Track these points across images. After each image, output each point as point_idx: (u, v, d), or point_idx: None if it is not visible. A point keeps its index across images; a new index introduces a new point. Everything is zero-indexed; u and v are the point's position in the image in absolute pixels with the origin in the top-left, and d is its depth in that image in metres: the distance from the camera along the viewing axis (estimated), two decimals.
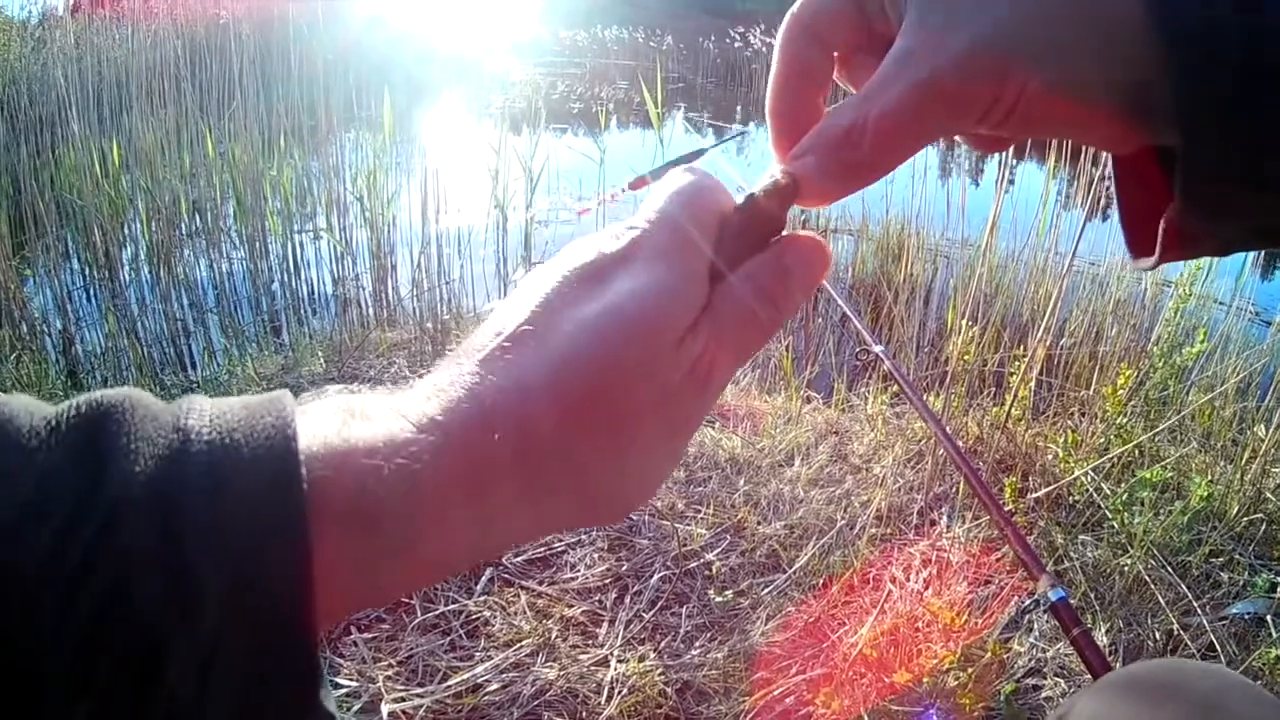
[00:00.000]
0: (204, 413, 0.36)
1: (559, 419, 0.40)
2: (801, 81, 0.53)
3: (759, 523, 2.80)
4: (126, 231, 5.97)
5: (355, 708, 2.03)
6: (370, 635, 2.24)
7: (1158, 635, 2.39)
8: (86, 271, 5.84)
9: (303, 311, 5.68)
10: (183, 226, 6.13)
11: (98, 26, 7.99)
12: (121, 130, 6.67)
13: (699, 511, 2.85)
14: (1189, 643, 2.33)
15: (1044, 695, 2.21)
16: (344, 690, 2.07)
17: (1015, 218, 4.96)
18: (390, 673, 2.14)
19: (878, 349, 2.53)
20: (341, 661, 2.15)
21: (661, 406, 0.43)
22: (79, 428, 0.34)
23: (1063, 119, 0.45)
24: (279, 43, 7.32)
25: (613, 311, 0.42)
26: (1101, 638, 2.38)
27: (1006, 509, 2.32)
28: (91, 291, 5.69)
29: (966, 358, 3.37)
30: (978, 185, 7.73)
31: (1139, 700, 0.80)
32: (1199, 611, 2.42)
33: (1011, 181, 5.09)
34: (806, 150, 0.49)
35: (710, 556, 2.64)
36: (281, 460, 0.35)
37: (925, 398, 2.94)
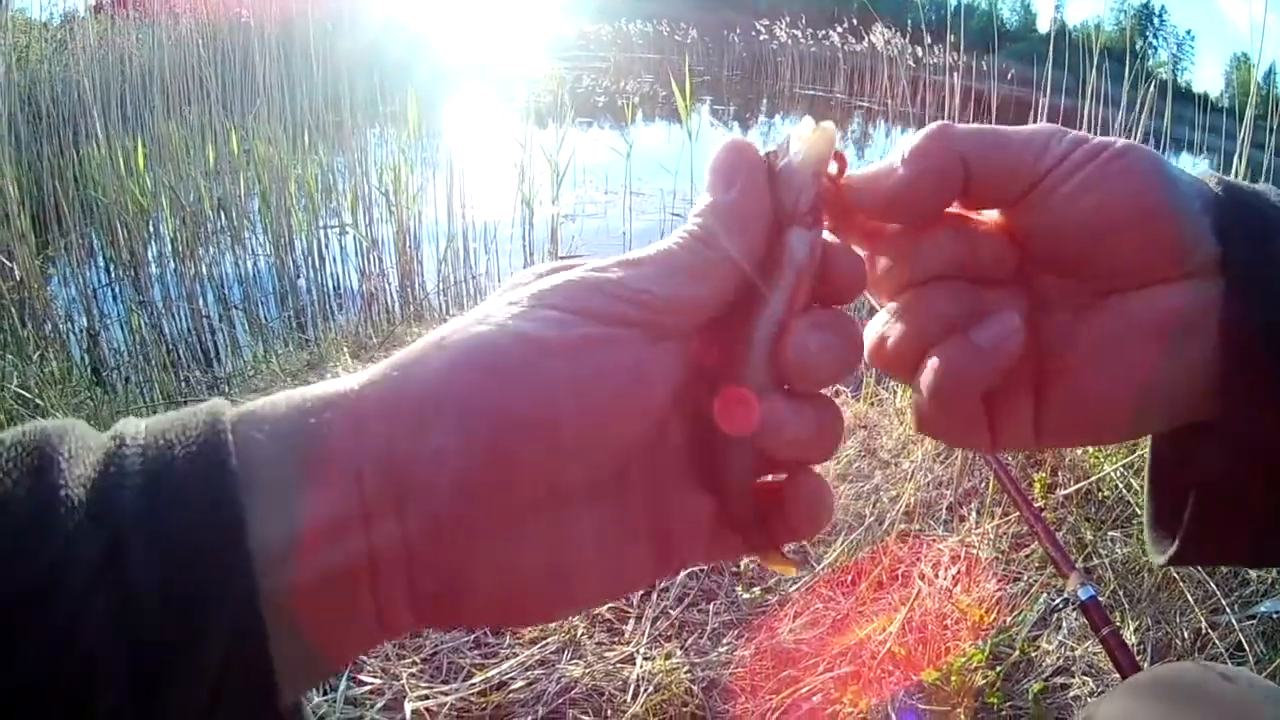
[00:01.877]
0: (139, 423, 0.37)
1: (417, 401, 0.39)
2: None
3: None
4: (151, 229, 5.99)
5: (379, 705, 2.02)
6: None
7: (1185, 634, 2.36)
8: (111, 269, 5.88)
9: (328, 307, 5.70)
10: (208, 224, 6.14)
11: (119, 26, 8.02)
12: (145, 128, 6.70)
13: None
14: (1217, 641, 2.30)
15: (1072, 694, 2.18)
16: (367, 688, 2.06)
17: None
18: (414, 670, 2.13)
19: None
20: (365, 659, 2.14)
21: None
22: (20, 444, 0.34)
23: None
24: (301, 40, 7.32)
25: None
26: (1130, 636, 2.35)
27: (1036, 505, 2.30)
28: (116, 289, 5.72)
29: None
30: None
31: (1165, 704, 0.79)
32: (1227, 610, 2.39)
33: None
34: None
35: None
36: (211, 437, 0.35)
37: None
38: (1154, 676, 0.87)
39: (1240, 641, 2.28)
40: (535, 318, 0.40)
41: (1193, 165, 5.50)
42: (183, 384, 4.16)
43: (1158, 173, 0.44)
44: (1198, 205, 0.45)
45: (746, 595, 2.42)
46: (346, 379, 0.39)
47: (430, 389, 0.39)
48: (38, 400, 3.09)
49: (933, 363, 0.47)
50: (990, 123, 0.48)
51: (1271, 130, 4.06)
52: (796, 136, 0.46)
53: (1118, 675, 1.45)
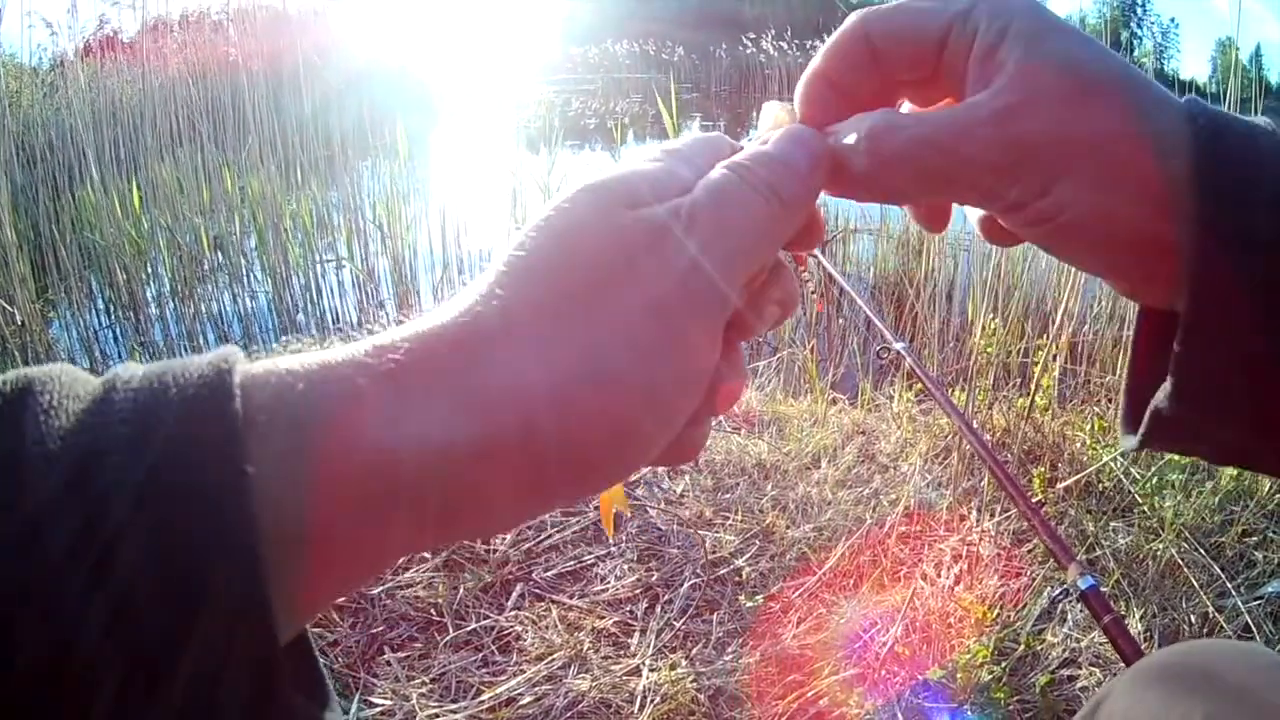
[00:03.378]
0: (137, 368, 0.35)
1: (507, 291, 0.41)
2: (850, 74, 0.51)
3: (788, 526, 2.79)
4: (149, 270, 6.00)
5: None
6: (403, 654, 2.25)
7: (1193, 619, 2.36)
8: (111, 310, 5.88)
9: (328, 341, 5.68)
10: (205, 262, 6.17)
11: (109, 69, 8.05)
12: (139, 170, 6.72)
13: (727, 518, 2.84)
14: (1224, 625, 2.30)
15: (1079, 686, 2.18)
16: (378, 709, 2.07)
17: None
18: (424, 690, 2.14)
19: (898, 346, 2.51)
20: (375, 681, 2.15)
21: (630, 271, 0.40)
22: None
23: (1087, 235, 0.46)
24: (290, 76, 7.36)
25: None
26: (1136, 624, 2.36)
27: (1035, 499, 2.31)
28: (116, 331, 5.73)
29: (989, 350, 3.36)
30: None
31: (1169, 690, 0.77)
32: (1233, 593, 2.40)
33: None
34: (848, 129, 0.48)
35: (740, 562, 2.63)
36: (214, 378, 0.33)
37: (950, 393, 2.93)
38: (1160, 660, 0.85)
39: (1248, 624, 2.29)
40: None
41: None
42: None
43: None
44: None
45: (749, 603, 2.43)
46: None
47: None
48: None
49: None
50: None
51: (1258, 112, 4.07)
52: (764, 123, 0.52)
53: (1124, 664, 1.45)
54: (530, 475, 0.38)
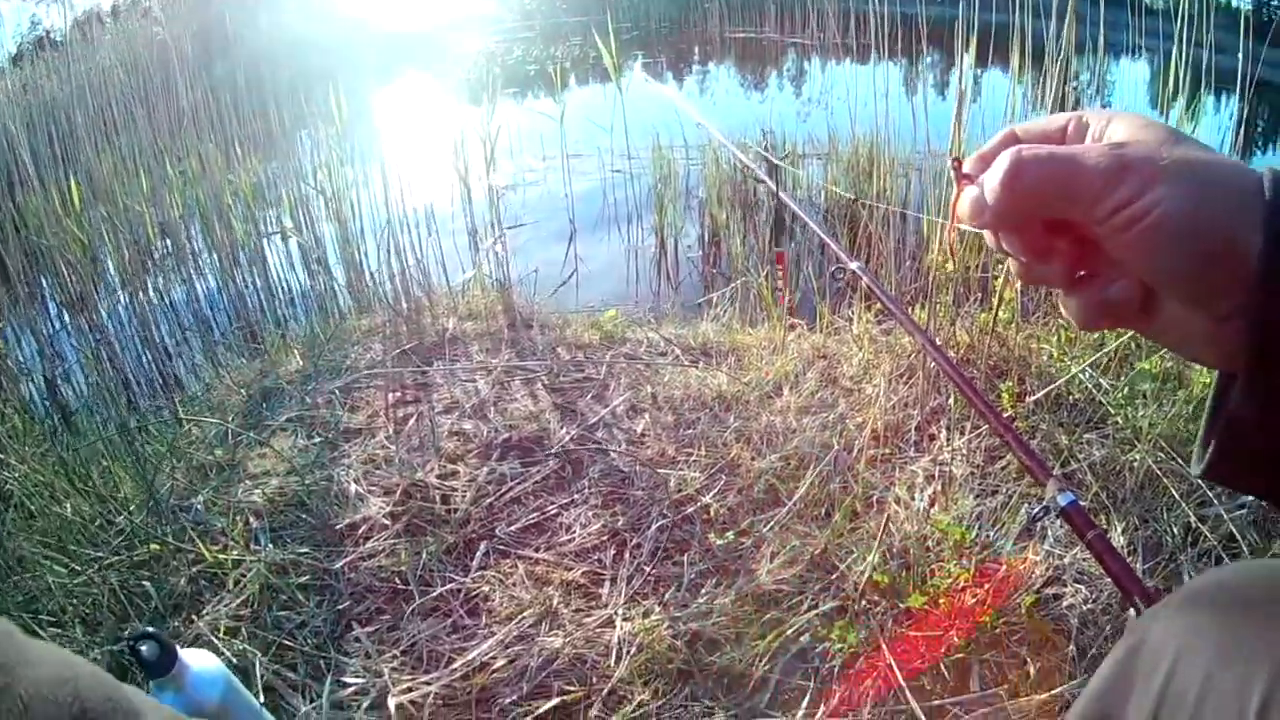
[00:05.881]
0: None
1: None
2: None
3: (753, 458, 2.74)
4: (98, 266, 5.92)
5: (365, 705, 1.98)
6: (372, 628, 2.21)
7: (1176, 529, 2.32)
8: (63, 314, 5.83)
9: (280, 313, 5.65)
10: (154, 250, 6.10)
11: (41, 69, 7.94)
12: (79, 166, 6.64)
13: (690, 454, 2.80)
14: (1208, 535, 2.26)
15: (1066, 604, 2.14)
16: (351, 689, 2.03)
17: (984, 123, 4.89)
18: (396, 664, 2.09)
19: (854, 265, 2.47)
20: (346, 660, 2.11)
21: None
22: None
23: (1173, 230, 0.52)
24: (220, 49, 7.26)
25: None
26: (1118, 538, 2.32)
27: (1005, 415, 2.25)
28: (70, 332, 5.66)
29: (946, 266, 3.30)
30: (944, 98, 7.68)
31: (1223, 613, 0.69)
32: (1214, 502, 2.35)
33: (978, 89, 5.03)
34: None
35: (707, 499, 2.58)
36: None
37: (910, 311, 2.87)
38: (1214, 580, 0.77)
39: (1232, 532, 2.24)
40: None
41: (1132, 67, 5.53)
42: (137, 416, 4.09)
43: (1191, 235, 0.52)
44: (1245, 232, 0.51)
45: (720, 541, 2.37)
46: None
47: None
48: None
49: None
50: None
51: (1209, 29, 4.05)
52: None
53: (1109, 580, 1.41)
54: None
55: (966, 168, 0.64)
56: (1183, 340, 0.59)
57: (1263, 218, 0.50)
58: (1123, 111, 0.59)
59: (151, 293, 5.81)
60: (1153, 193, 0.51)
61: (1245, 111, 4.85)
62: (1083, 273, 0.61)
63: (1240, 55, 4.39)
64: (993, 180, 0.57)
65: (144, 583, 2.30)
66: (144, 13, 8.55)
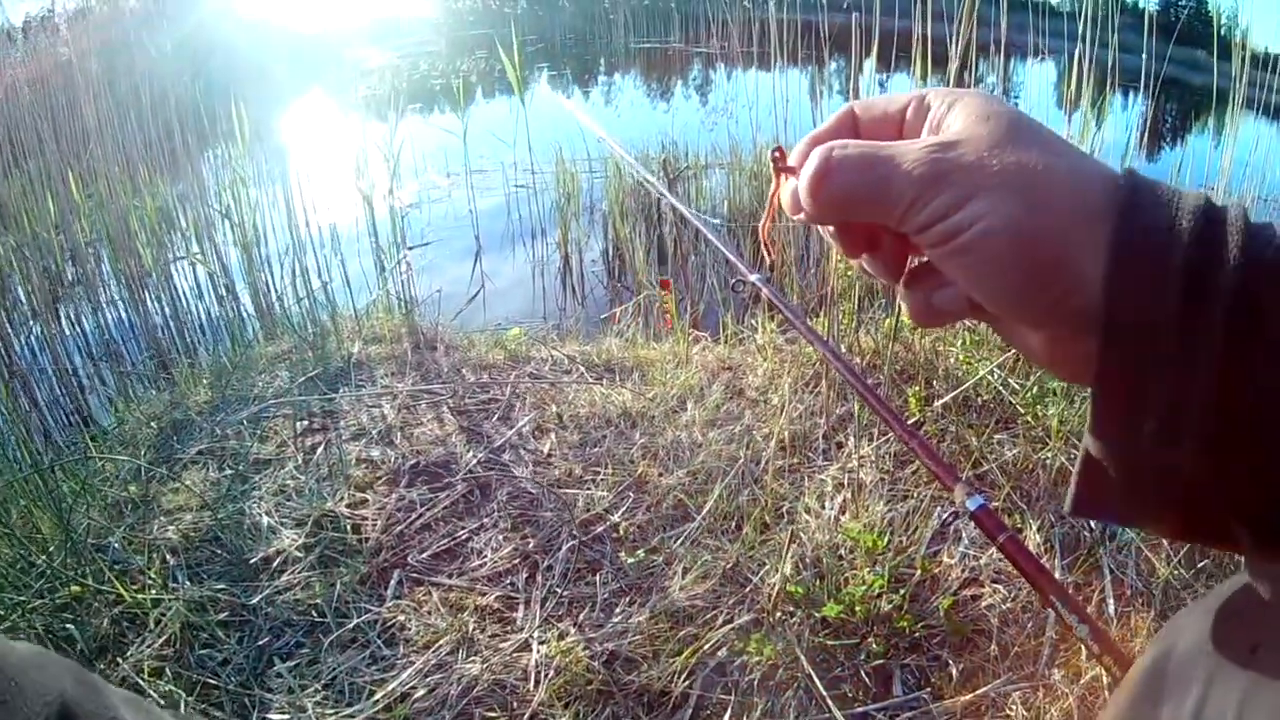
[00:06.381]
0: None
1: None
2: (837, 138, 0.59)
3: (660, 474, 2.75)
4: (9, 296, 5.80)
5: None
6: (293, 663, 2.18)
7: (1092, 525, 2.35)
8: None
9: (191, 340, 5.57)
10: (63, 277, 6.00)
11: None
12: None
13: (597, 473, 2.80)
14: (1127, 528, 2.29)
15: (985, 604, 2.18)
16: None
17: None
18: (319, 698, 2.07)
19: (753, 277, 2.46)
20: (270, 695, 2.08)
21: None
22: None
23: (994, 249, 0.48)
24: (124, 65, 7.15)
25: None
26: (1034, 536, 2.35)
27: (912, 420, 2.28)
28: None
29: (849, 273, 3.32)
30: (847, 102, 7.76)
31: (1265, 631, 0.67)
32: None
33: (885, 93, 5.10)
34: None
35: (615, 518, 2.59)
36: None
37: (814, 320, 2.89)
38: (1243, 585, 0.74)
39: None
40: None
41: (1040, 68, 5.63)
42: (52, 451, 4.02)
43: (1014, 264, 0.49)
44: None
45: (631, 560, 2.37)
46: None
47: None
48: None
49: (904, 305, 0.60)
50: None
51: (1114, 30, 4.11)
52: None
53: (1023, 579, 1.43)
54: None
55: (801, 148, 0.61)
56: (1028, 351, 0.55)
57: (1106, 238, 0.46)
58: (972, 92, 0.55)
59: (64, 322, 5.69)
60: (972, 206, 0.48)
61: (1152, 109, 4.95)
62: (917, 263, 0.59)
63: (1144, 55, 4.48)
64: (801, 180, 0.56)
65: (68, 625, 2.25)
66: (53, 30, 8.40)
